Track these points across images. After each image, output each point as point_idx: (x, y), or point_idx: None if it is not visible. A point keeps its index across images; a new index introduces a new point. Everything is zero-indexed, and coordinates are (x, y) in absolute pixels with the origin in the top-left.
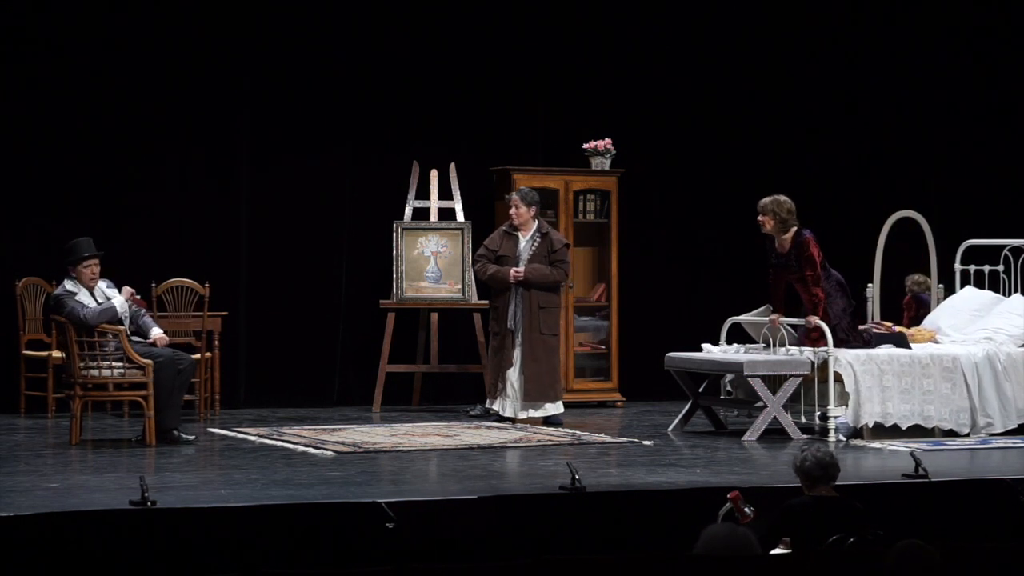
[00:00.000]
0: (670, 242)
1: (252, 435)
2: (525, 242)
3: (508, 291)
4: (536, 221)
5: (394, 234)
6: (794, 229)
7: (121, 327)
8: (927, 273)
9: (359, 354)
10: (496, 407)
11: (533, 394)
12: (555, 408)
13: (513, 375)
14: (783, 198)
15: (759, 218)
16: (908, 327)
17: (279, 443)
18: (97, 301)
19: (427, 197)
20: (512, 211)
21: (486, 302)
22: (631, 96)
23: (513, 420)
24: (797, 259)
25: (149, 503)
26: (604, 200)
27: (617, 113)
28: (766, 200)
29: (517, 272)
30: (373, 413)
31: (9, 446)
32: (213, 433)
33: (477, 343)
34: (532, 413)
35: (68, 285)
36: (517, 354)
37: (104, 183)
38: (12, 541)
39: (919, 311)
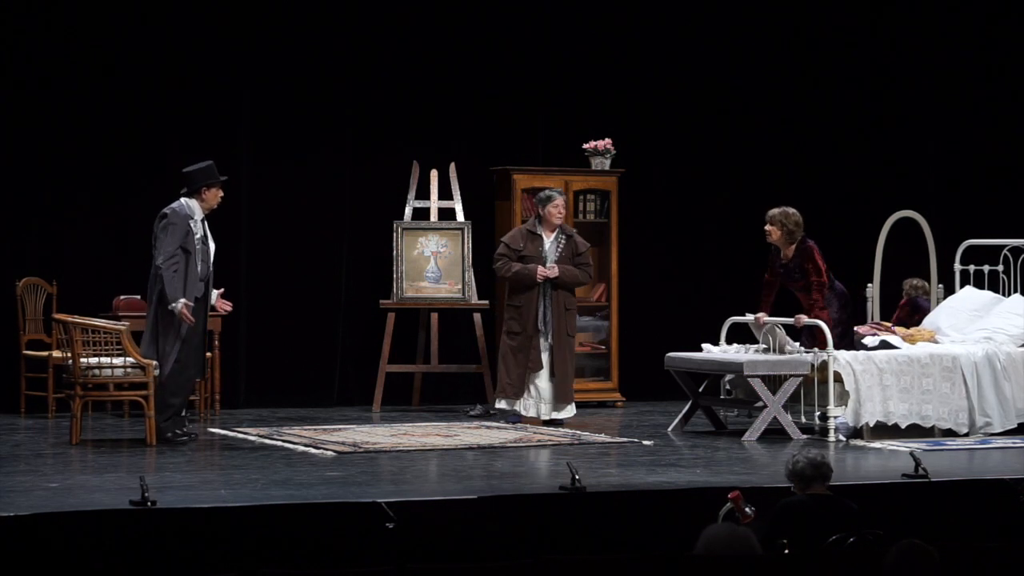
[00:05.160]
0: (670, 242)
1: (252, 435)
2: (550, 243)
3: (532, 291)
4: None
5: (394, 234)
6: (800, 240)
7: (122, 326)
8: (927, 273)
9: (359, 354)
10: (518, 407)
11: (562, 396)
12: (573, 408)
13: (541, 377)
14: (791, 210)
15: (766, 227)
16: (907, 327)
17: (279, 443)
18: (205, 230)
19: (427, 197)
20: (558, 211)
21: (486, 302)
22: (631, 96)
23: (536, 421)
24: (800, 268)
25: (149, 503)
26: (604, 200)
27: (617, 113)
28: (775, 211)
29: (550, 270)
30: (373, 413)
31: (9, 446)
32: (213, 433)
33: (477, 343)
34: (556, 415)
35: (190, 205)
36: (546, 357)
37: (104, 183)
38: (12, 541)
39: (914, 316)
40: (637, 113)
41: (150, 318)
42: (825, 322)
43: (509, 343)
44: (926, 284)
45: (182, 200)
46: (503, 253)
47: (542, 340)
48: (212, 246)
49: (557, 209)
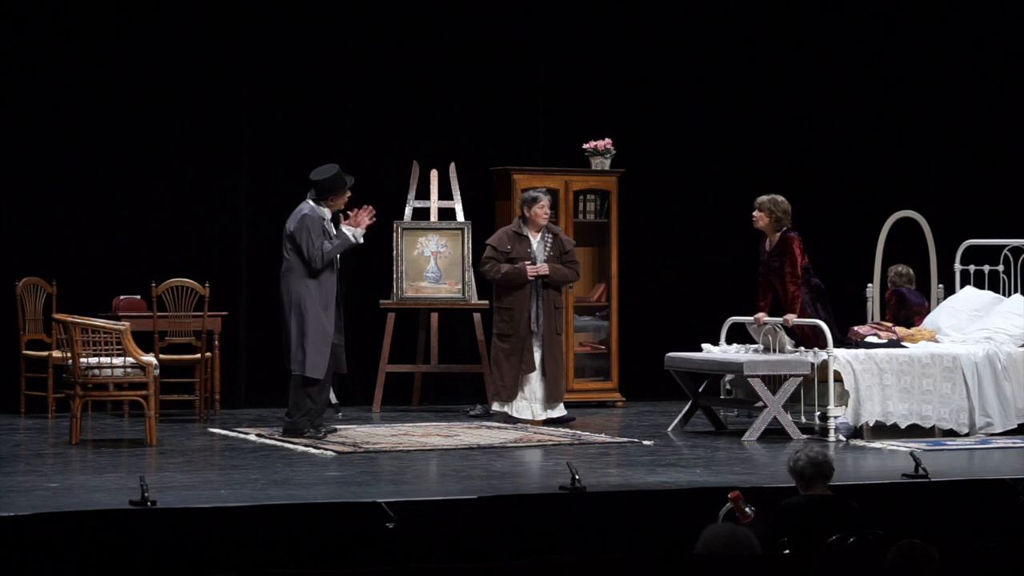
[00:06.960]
0: (670, 242)
1: (252, 435)
2: (537, 242)
3: (522, 291)
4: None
5: (394, 234)
6: (784, 229)
7: (122, 326)
8: (927, 273)
9: (359, 354)
10: (509, 410)
11: (555, 395)
12: (562, 407)
13: (535, 378)
14: (781, 198)
15: (754, 213)
16: (898, 323)
17: (279, 443)
18: (329, 235)
19: (427, 197)
20: (544, 212)
21: (486, 302)
22: (631, 96)
23: (530, 422)
24: (780, 257)
25: (149, 503)
26: (604, 200)
27: (617, 113)
28: (764, 198)
29: (540, 269)
30: (373, 413)
31: (9, 446)
32: (213, 433)
33: (477, 343)
34: (550, 414)
35: (318, 209)
36: (538, 357)
37: (104, 183)
38: (12, 541)
39: (901, 311)
40: (637, 113)
41: (294, 324)
42: (797, 312)
43: (501, 346)
44: (911, 271)
45: (311, 203)
46: (490, 256)
47: (535, 341)
48: (346, 229)
49: (543, 210)
